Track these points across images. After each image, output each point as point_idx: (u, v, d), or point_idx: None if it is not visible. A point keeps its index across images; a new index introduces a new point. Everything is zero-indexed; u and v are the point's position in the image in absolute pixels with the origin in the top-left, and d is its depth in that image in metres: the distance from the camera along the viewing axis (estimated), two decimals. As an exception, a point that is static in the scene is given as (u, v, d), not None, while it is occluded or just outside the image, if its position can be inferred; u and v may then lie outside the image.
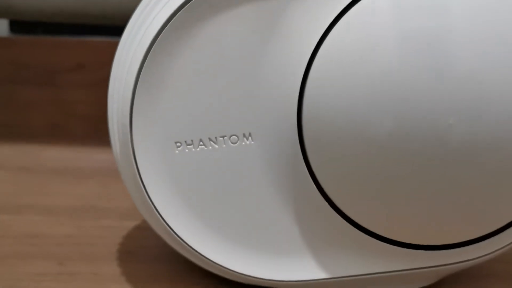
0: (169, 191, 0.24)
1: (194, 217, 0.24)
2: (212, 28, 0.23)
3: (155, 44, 0.22)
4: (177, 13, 0.22)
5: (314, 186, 0.24)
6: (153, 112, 0.23)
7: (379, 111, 0.21)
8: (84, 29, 0.48)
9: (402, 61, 0.21)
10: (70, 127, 0.48)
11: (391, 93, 0.21)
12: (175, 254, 0.26)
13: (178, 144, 0.23)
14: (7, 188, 0.39)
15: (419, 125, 0.21)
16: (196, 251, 0.24)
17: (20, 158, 0.44)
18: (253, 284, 0.25)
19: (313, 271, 0.25)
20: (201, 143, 0.23)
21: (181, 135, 0.23)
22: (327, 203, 0.24)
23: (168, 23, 0.22)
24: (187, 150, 0.23)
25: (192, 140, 0.23)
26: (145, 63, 0.23)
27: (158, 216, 0.24)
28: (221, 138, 0.23)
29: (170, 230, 0.24)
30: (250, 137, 0.24)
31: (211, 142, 0.23)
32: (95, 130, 0.47)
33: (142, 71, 0.23)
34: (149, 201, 0.24)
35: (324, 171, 0.23)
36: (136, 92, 0.23)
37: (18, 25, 0.49)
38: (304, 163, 0.23)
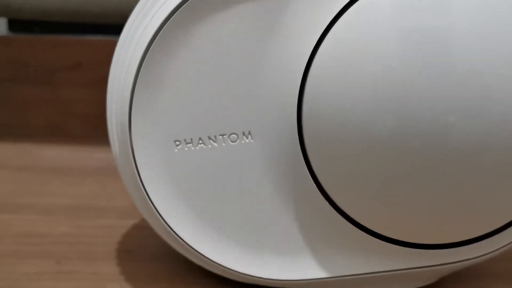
0: (168, 190, 0.24)
1: (193, 216, 0.24)
2: (211, 27, 0.22)
3: (153, 43, 0.22)
4: (175, 12, 0.22)
5: (314, 185, 0.24)
6: (152, 111, 0.23)
7: (379, 109, 0.21)
8: (83, 28, 0.48)
9: (403, 59, 0.21)
10: (69, 126, 0.48)
11: (391, 91, 0.21)
12: (174, 253, 0.26)
13: (177, 142, 0.23)
14: (6, 187, 0.39)
15: (420, 123, 0.21)
16: (196, 250, 0.24)
17: (19, 157, 0.44)
18: (253, 284, 0.25)
19: (313, 270, 0.25)
20: (200, 141, 0.23)
21: (180, 133, 0.23)
22: (327, 202, 0.24)
23: (167, 22, 0.22)
24: (186, 149, 0.23)
25: (191, 139, 0.23)
26: (144, 62, 0.22)
27: (157, 215, 0.24)
28: (221, 136, 0.23)
29: (169, 229, 0.24)
30: (249, 136, 0.23)
31: (211, 140, 0.23)
32: (94, 129, 0.47)
33: (141, 70, 0.23)
34: (148, 200, 0.24)
35: (324, 170, 0.23)
36: (135, 91, 0.23)
37: (17, 24, 0.49)
38: (304, 162, 0.23)
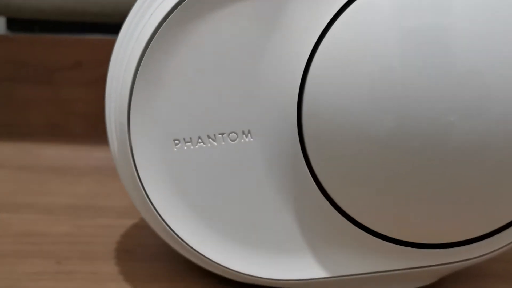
0: (167, 189, 0.24)
1: (193, 216, 0.24)
2: (210, 25, 0.22)
3: (153, 41, 0.22)
4: (174, 10, 0.22)
5: (314, 184, 0.24)
6: (151, 109, 0.23)
7: (379, 108, 0.21)
8: (82, 27, 0.48)
9: (403, 58, 0.20)
10: (69, 126, 0.48)
11: (391, 91, 0.21)
12: (174, 252, 0.26)
13: (177, 141, 0.23)
14: (5, 186, 0.39)
15: (420, 122, 0.20)
16: (195, 250, 0.24)
17: (19, 157, 0.44)
18: (252, 284, 0.25)
19: (313, 270, 0.25)
20: (199, 140, 0.23)
21: (179, 132, 0.23)
22: (327, 201, 0.24)
23: (166, 20, 0.22)
24: (185, 148, 0.23)
25: (190, 138, 0.23)
26: (143, 60, 0.22)
27: (157, 214, 0.24)
28: (220, 135, 0.23)
29: (168, 228, 0.24)
30: (249, 135, 0.23)
31: (210, 139, 0.23)
32: (93, 129, 0.47)
33: (140, 68, 0.22)
34: (147, 200, 0.24)
35: (324, 169, 0.23)
36: (134, 89, 0.23)
37: (16, 23, 0.49)
38: (304, 161, 0.23)
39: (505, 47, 0.20)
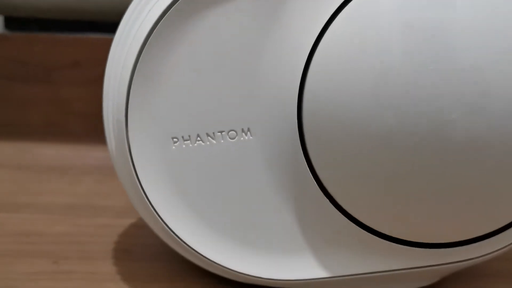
0: (166, 188, 0.24)
1: (192, 215, 0.24)
2: (209, 22, 0.22)
3: (151, 38, 0.22)
4: (172, 6, 0.22)
5: (315, 182, 0.23)
6: (149, 106, 0.23)
7: (380, 105, 0.21)
8: (80, 26, 0.47)
9: (403, 55, 0.20)
10: (67, 125, 0.48)
11: (392, 87, 0.20)
12: (173, 252, 0.26)
13: (175, 139, 0.23)
14: (4, 186, 0.39)
15: (421, 119, 0.20)
16: (194, 250, 0.24)
17: (17, 156, 0.44)
18: (252, 283, 0.25)
19: (313, 270, 0.25)
20: (198, 138, 0.23)
21: (178, 130, 0.23)
22: (328, 200, 0.24)
23: (164, 16, 0.22)
24: (184, 146, 0.23)
25: (189, 136, 0.23)
26: (141, 56, 0.22)
27: (155, 214, 0.24)
28: (219, 133, 0.23)
29: (167, 228, 0.24)
30: (249, 132, 0.23)
31: (209, 137, 0.23)
32: (92, 128, 0.47)
33: (138, 65, 0.22)
34: (146, 199, 0.23)
35: (325, 167, 0.23)
36: (132, 86, 0.22)
37: (13, 22, 0.48)
38: (304, 159, 0.23)
39: (505, 44, 0.20)
